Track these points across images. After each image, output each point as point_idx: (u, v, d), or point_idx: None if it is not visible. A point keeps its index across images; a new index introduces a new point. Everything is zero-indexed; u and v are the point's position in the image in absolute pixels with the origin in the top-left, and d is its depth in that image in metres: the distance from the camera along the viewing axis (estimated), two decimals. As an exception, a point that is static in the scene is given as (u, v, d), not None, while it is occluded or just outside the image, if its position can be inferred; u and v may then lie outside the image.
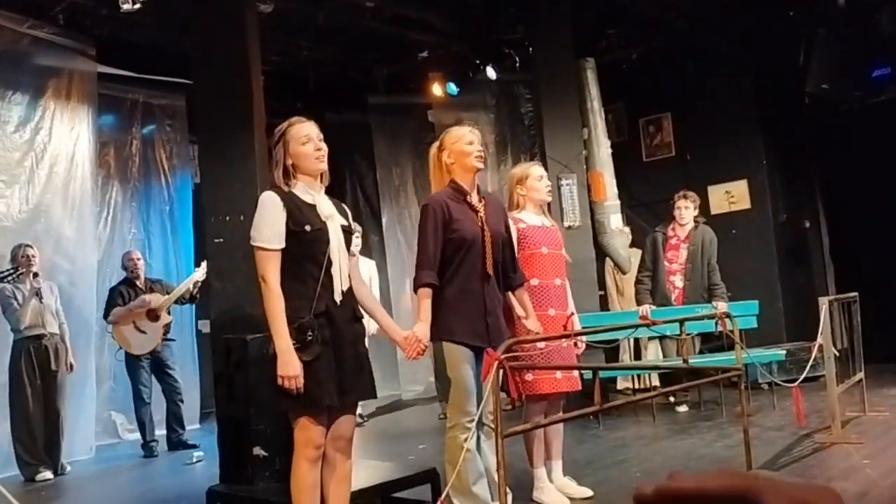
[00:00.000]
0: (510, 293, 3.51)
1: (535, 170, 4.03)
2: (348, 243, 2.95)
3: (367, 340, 8.13)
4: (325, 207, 2.91)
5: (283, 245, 2.81)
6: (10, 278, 5.37)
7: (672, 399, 6.35)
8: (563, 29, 7.35)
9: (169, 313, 6.60)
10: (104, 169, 7.19)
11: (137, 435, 6.59)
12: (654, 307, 6.11)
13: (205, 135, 4.74)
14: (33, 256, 5.73)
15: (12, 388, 5.69)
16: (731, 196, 8.32)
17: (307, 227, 2.81)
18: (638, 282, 6.44)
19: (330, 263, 2.83)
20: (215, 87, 4.53)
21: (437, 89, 8.48)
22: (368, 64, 8.58)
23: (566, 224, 7.17)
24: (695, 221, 6.36)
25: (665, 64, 8.39)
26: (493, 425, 2.68)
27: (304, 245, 2.82)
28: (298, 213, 2.83)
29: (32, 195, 6.19)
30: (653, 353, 6.87)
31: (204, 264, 6.14)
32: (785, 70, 8.02)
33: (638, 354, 7.13)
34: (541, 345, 3.67)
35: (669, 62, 8.36)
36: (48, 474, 5.65)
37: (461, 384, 3.15)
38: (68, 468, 5.82)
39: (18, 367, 5.69)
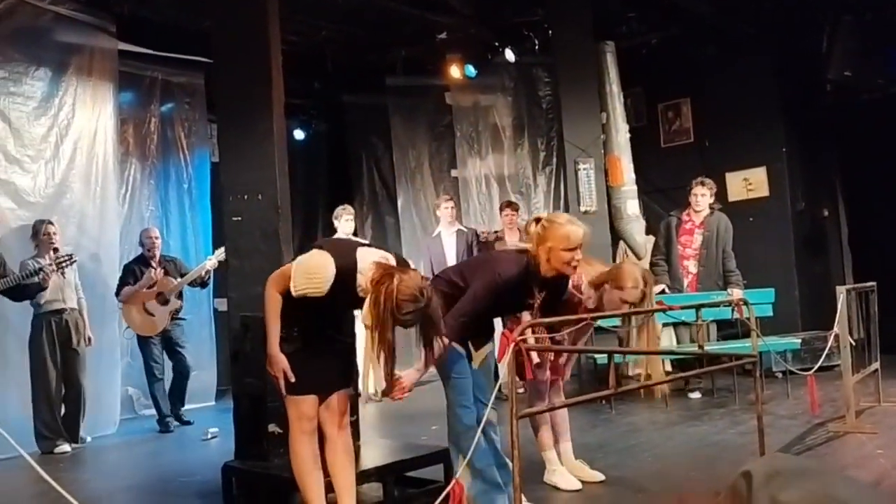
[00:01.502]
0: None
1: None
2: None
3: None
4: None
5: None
6: (66, 263, 5.48)
7: (685, 385, 6.35)
8: (583, 12, 7.30)
9: (180, 297, 6.65)
10: (123, 146, 7.23)
11: (153, 410, 6.67)
12: (668, 291, 6.12)
13: (224, 113, 4.75)
14: (54, 233, 5.80)
15: (33, 363, 5.77)
16: (750, 183, 8.26)
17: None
18: (653, 264, 6.45)
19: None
20: (235, 67, 4.53)
21: (455, 71, 8.45)
22: (387, 45, 8.56)
23: (582, 209, 7.16)
24: (710, 208, 6.34)
25: (685, 49, 8.30)
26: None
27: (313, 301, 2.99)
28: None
29: (57, 171, 6.24)
30: (666, 340, 6.85)
31: (219, 252, 6.21)
32: (807, 56, 7.92)
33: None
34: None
35: (690, 47, 8.27)
36: (66, 447, 5.74)
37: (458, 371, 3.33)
38: (88, 439, 5.90)
39: (39, 341, 5.77)
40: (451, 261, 6.60)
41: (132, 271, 6.56)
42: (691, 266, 6.31)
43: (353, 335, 3.27)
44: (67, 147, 6.32)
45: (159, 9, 6.95)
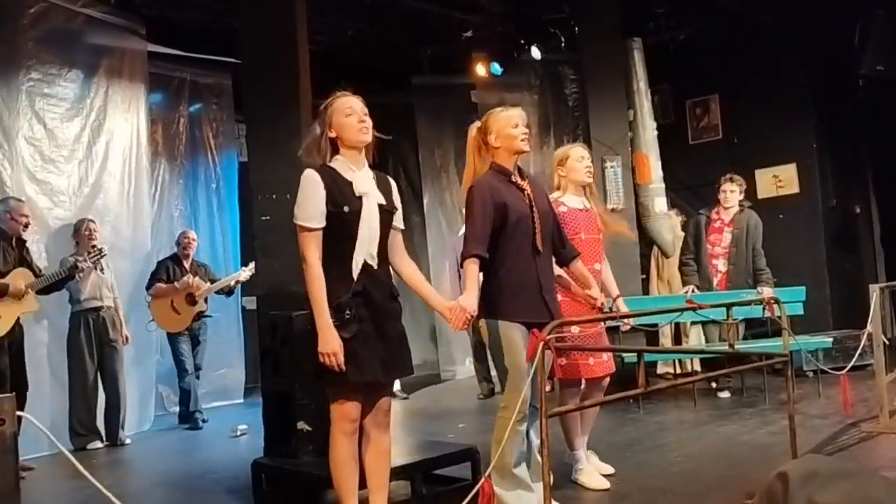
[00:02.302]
0: (565, 269, 3.50)
1: (576, 151, 4.04)
2: (387, 221, 2.96)
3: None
4: (362, 184, 2.91)
5: (323, 224, 2.83)
6: (97, 257, 5.57)
7: (714, 385, 6.29)
8: (609, 8, 7.25)
9: (206, 301, 6.74)
10: (152, 147, 7.33)
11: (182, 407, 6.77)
12: (697, 291, 6.07)
13: (253, 114, 4.80)
14: (95, 231, 5.91)
15: (71, 360, 5.88)
16: (780, 180, 8.16)
17: (345, 208, 2.83)
18: (683, 264, 6.40)
19: (365, 241, 2.86)
20: (264, 67, 4.57)
21: (480, 69, 8.44)
22: (412, 44, 8.57)
23: (609, 206, 7.11)
24: (740, 205, 6.27)
25: (714, 44, 8.22)
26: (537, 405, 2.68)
27: (342, 224, 2.84)
28: (338, 193, 2.85)
29: (91, 172, 6.35)
30: (694, 338, 6.80)
31: (251, 266, 6.30)
32: (838, 50, 7.80)
33: (679, 339, 7.07)
34: (575, 329, 3.70)
35: (718, 43, 8.18)
36: (98, 444, 5.84)
37: (522, 367, 3.05)
38: (128, 441, 5.99)
39: (77, 338, 5.88)
40: None
41: (165, 268, 6.66)
42: (721, 264, 6.24)
43: (398, 297, 3.04)
44: (100, 148, 6.42)
45: (187, 10, 7.02)
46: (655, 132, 7.75)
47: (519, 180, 3.30)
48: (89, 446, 5.78)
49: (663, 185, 7.71)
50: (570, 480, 3.88)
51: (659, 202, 7.60)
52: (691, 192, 8.23)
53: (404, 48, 8.64)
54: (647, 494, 3.69)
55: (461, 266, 3.21)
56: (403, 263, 3.08)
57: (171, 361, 6.77)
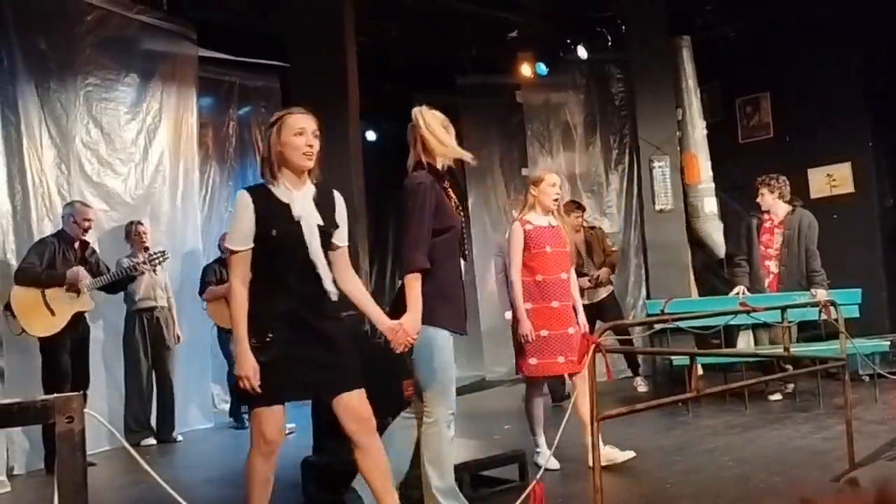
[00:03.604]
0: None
1: (550, 177, 4.43)
2: (325, 242, 2.88)
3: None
4: (299, 206, 2.83)
5: (249, 246, 2.80)
6: (159, 260, 5.70)
7: (765, 388, 6.17)
8: (657, 6, 7.17)
9: None
10: (202, 150, 7.47)
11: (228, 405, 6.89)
12: (747, 292, 5.97)
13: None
14: (144, 233, 6.05)
15: (126, 358, 6.04)
16: (833, 179, 7.97)
17: (273, 232, 2.78)
18: (735, 265, 6.31)
19: (297, 264, 2.81)
20: (312, 69, 4.64)
21: (526, 69, 8.41)
22: (457, 45, 8.58)
23: (657, 207, 7.04)
24: (791, 205, 6.15)
25: (764, 41, 8.06)
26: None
27: (273, 247, 2.79)
28: (269, 216, 2.80)
29: (146, 175, 6.51)
30: (744, 341, 6.67)
31: None
32: (894, 45, 7.58)
33: (730, 342, 6.94)
34: (544, 333, 4.17)
35: (769, 39, 8.02)
36: (151, 440, 5.99)
37: (450, 374, 3.06)
38: (180, 438, 6.12)
39: (133, 337, 6.03)
40: None
41: (213, 271, 6.76)
42: (773, 266, 6.13)
43: (337, 317, 2.97)
44: (155, 151, 6.58)
45: (236, 14, 7.14)
46: (705, 131, 7.64)
47: (449, 187, 3.25)
48: (143, 443, 5.92)
49: (713, 186, 7.60)
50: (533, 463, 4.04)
51: (709, 202, 7.49)
52: (742, 192, 8.07)
53: (449, 48, 8.65)
54: (699, 499, 3.64)
55: (406, 273, 3.06)
56: (347, 280, 2.99)
57: (221, 360, 6.89)
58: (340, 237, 2.96)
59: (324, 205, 2.93)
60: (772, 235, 6.15)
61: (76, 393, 1.47)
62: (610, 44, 8.11)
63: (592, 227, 7.21)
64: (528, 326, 4.19)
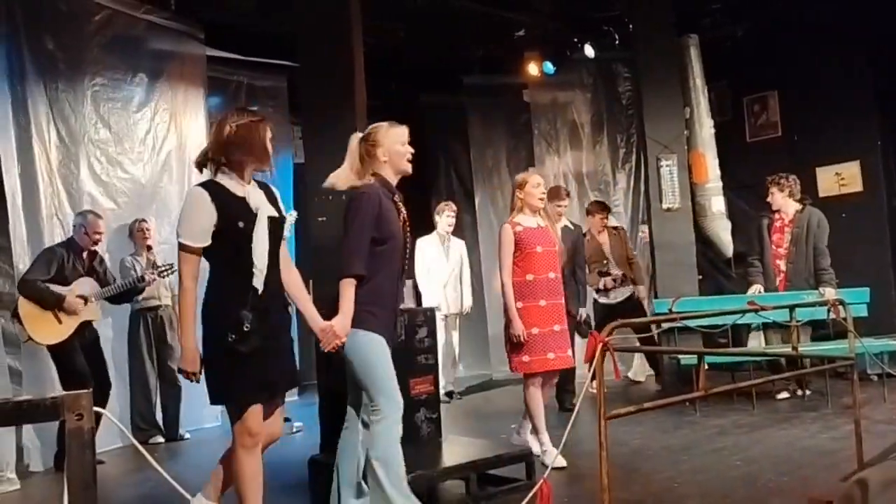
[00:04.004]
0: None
1: (534, 178, 4.61)
2: (279, 232, 2.96)
3: (455, 320, 7.98)
4: (255, 198, 2.90)
5: (207, 242, 2.83)
6: (167, 273, 5.66)
7: (772, 386, 6.15)
8: (665, 5, 7.14)
9: None
10: (210, 148, 7.47)
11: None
12: (762, 291, 5.98)
13: (309, 116, 4.88)
14: (148, 230, 6.07)
15: (131, 357, 6.06)
16: (842, 178, 7.92)
17: (240, 223, 2.82)
18: (749, 264, 6.33)
19: (261, 254, 2.86)
20: (320, 70, 4.64)
21: (532, 69, 8.41)
22: (464, 44, 8.58)
23: (665, 206, 7.02)
24: (801, 203, 6.14)
25: (773, 40, 8.02)
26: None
27: (238, 239, 2.82)
28: (230, 208, 2.83)
29: (153, 174, 6.52)
30: (755, 341, 6.65)
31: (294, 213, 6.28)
32: (903, 44, 7.55)
33: (737, 341, 6.92)
34: (534, 330, 4.35)
35: (777, 38, 7.99)
36: (159, 438, 6.01)
37: (390, 374, 3.15)
38: (187, 435, 6.14)
39: (137, 336, 6.05)
40: None
41: None
42: (782, 264, 6.12)
43: (290, 319, 3.11)
44: (162, 150, 6.59)
45: (243, 14, 7.15)
46: (712, 130, 7.62)
47: (398, 199, 3.32)
48: (151, 441, 5.94)
49: (721, 185, 7.58)
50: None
51: (716, 202, 7.47)
52: (750, 191, 8.05)
53: (455, 48, 8.65)
54: (707, 499, 3.64)
55: (341, 278, 3.13)
56: (290, 273, 3.09)
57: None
58: (287, 229, 3.08)
59: (269, 197, 2.99)
60: (782, 234, 6.15)
61: (85, 390, 1.48)
62: (617, 43, 8.09)
63: (616, 228, 7.25)
64: (521, 326, 4.36)
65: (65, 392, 4.73)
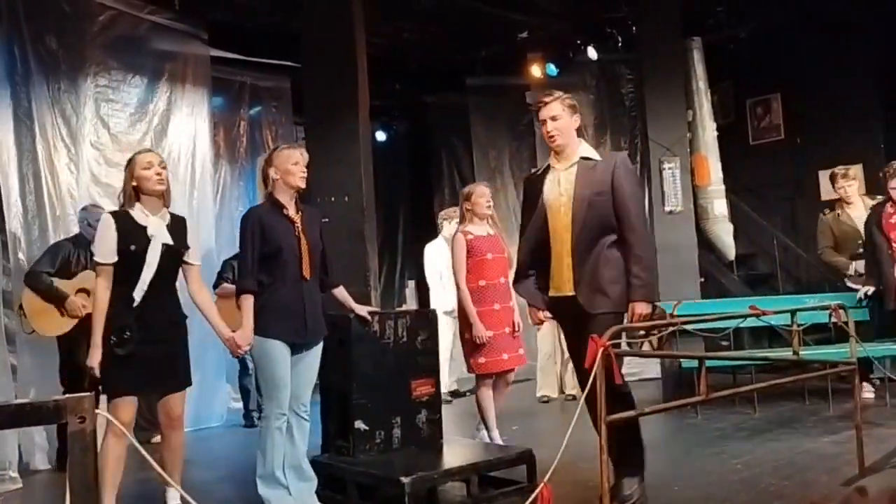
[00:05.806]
0: (333, 293, 4.00)
1: (479, 189, 4.94)
2: (175, 259, 3.55)
3: (453, 324, 7.92)
4: (153, 228, 3.51)
5: (114, 259, 3.44)
6: None
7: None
8: (668, 7, 7.14)
9: None
10: (214, 149, 7.49)
11: (240, 404, 6.89)
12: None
13: (312, 116, 4.90)
14: None
15: None
16: (845, 181, 7.90)
17: (132, 247, 3.44)
18: (867, 261, 6.03)
19: (149, 275, 3.45)
20: (323, 71, 4.66)
21: (536, 70, 8.41)
22: (467, 45, 8.58)
23: (667, 209, 7.02)
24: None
25: (775, 42, 8.02)
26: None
27: (130, 261, 3.43)
28: (128, 234, 3.45)
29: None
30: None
31: None
32: (907, 47, 7.55)
33: (738, 344, 6.91)
34: (489, 333, 4.60)
35: (780, 40, 7.99)
36: (159, 437, 5.98)
37: (277, 378, 3.60)
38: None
39: None
40: None
41: (231, 267, 6.78)
42: None
43: (179, 322, 3.62)
44: (164, 151, 6.56)
45: (247, 14, 7.16)
46: (715, 133, 7.62)
47: (292, 213, 3.68)
48: (153, 440, 5.93)
49: (723, 188, 7.58)
50: None
51: (718, 204, 7.47)
52: (752, 194, 8.06)
53: (459, 49, 8.66)
54: (707, 503, 3.64)
55: (237, 298, 3.65)
56: (198, 293, 3.71)
57: (231, 359, 6.89)
58: (192, 256, 3.65)
59: (175, 228, 3.59)
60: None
61: (87, 394, 1.49)
62: (620, 45, 8.09)
63: None
64: (483, 329, 4.61)
65: (63, 389, 4.80)
